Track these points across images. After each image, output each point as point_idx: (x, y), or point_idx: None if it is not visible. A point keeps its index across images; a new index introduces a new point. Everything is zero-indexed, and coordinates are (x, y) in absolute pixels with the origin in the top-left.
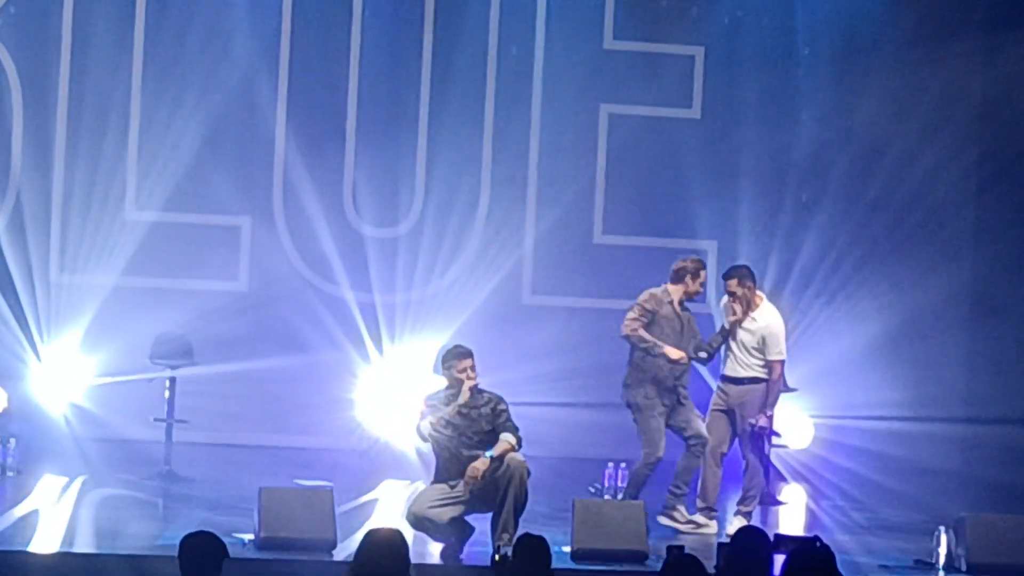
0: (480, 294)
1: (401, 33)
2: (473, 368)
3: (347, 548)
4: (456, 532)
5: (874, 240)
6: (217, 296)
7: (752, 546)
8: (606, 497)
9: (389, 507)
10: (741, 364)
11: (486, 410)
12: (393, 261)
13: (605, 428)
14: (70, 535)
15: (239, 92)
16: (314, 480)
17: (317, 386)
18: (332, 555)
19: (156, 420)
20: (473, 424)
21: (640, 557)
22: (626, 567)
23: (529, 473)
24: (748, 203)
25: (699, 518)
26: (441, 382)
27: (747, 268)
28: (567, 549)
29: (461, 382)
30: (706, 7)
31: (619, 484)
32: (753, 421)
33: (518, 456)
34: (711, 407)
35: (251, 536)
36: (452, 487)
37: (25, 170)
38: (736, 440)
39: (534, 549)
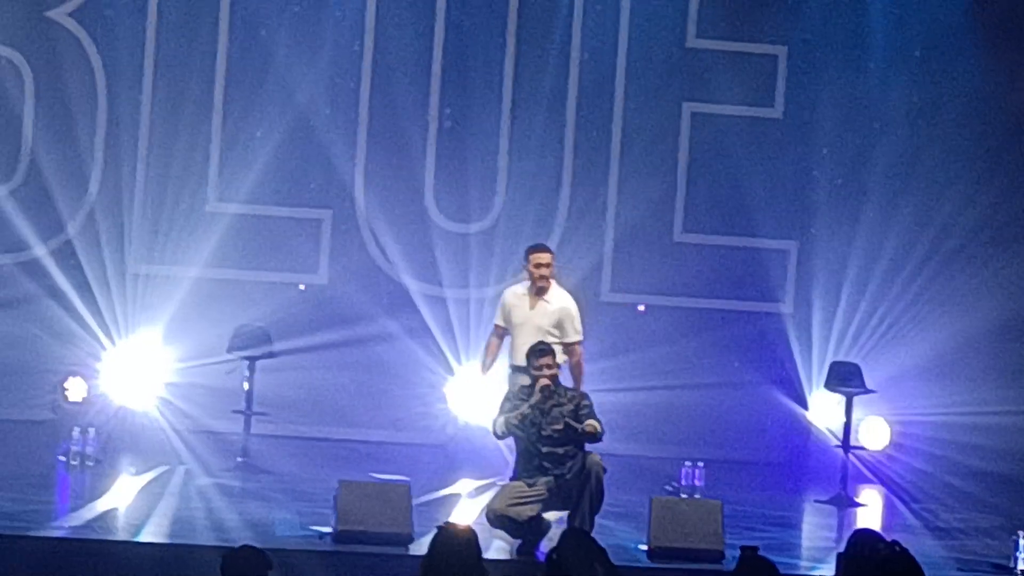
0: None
1: (485, 29)
2: (549, 366)
3: (423, 543)
4: (534, 530)
5: (956, 243)
6: (297, 288)
7: (869, 550)
8: (683, 496)
9: (466, 503)
10: None
11: (568, 407)
12: (472, 256)
13: (682, 427)
14: (148, 525)
15: (323, 84)
16: (391, 474)
17: (395, 380)
18: (408, 549)
19: (235, 412)
20: (553, 421)
21: (716, 556)
22: (702, 566)
23: (605, 471)
24: (828, 204)
25: None
26: (522, 379)
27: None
28: (643, 547)
29: (537, 379)
30: (789, 6)
31: (695, 483)
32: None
33: (595, 455)
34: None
35: (328, 529)
36: (530, 485)
37: (108, 161)
38: None
39: (579, 543)
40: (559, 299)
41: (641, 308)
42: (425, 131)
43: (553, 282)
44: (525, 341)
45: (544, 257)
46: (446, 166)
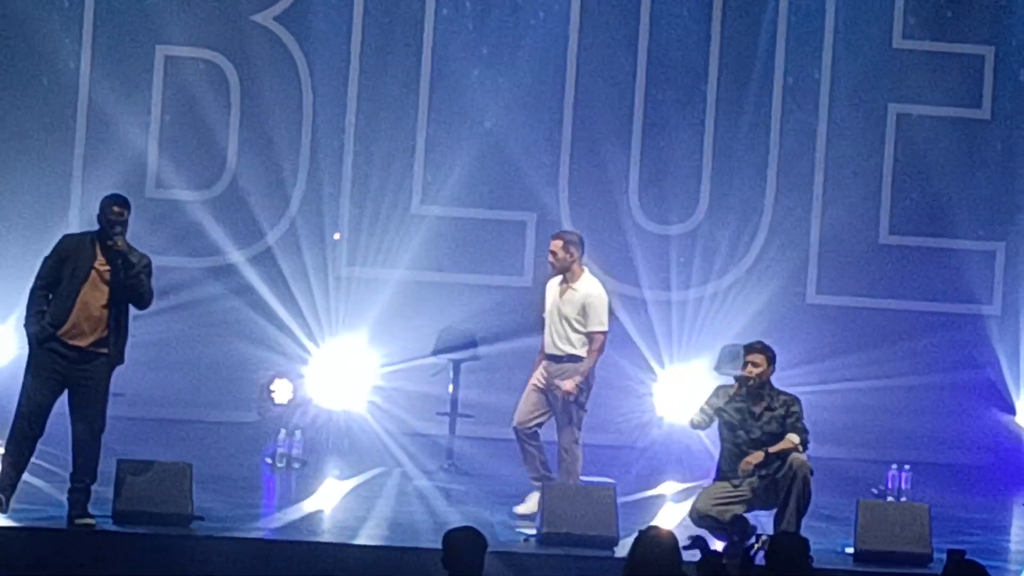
0: (764, 293)
1: (689, 29)
2: (755, 364)
3: (629, 545)
4: (738, 530)
5: None
6: (502, 291)
7: None
8: (889, 499)
9: (670, 506)
10: (561, 339)
11: (779, 412)
12: (673, 259)
13: (889, 431)
14: (356, 528)
15: (525, 86)
16: (596, 476)
17: (598, 382)
18: (614, 552)
19: (439, 414)
20: (762, 424)
21: (923, 560)
22: (909, 570)
23: (812, 473)
24: None
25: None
26: (723, 380)
27: (578, 236)
28: (850, 550)
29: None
30: (998, 6)
31: (901, 486)
32: (558, 383)
33: (801, 456)
34: (530, 381)
35: (533, 531)
36: (735, 485)
37: (315, 163)
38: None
39: (791, 548)
40: (585, 287)
41: None
42: (629, 132)
43: (585, 270)
44: (550, 329)
45: (551, 244)
46: (649, 167)
